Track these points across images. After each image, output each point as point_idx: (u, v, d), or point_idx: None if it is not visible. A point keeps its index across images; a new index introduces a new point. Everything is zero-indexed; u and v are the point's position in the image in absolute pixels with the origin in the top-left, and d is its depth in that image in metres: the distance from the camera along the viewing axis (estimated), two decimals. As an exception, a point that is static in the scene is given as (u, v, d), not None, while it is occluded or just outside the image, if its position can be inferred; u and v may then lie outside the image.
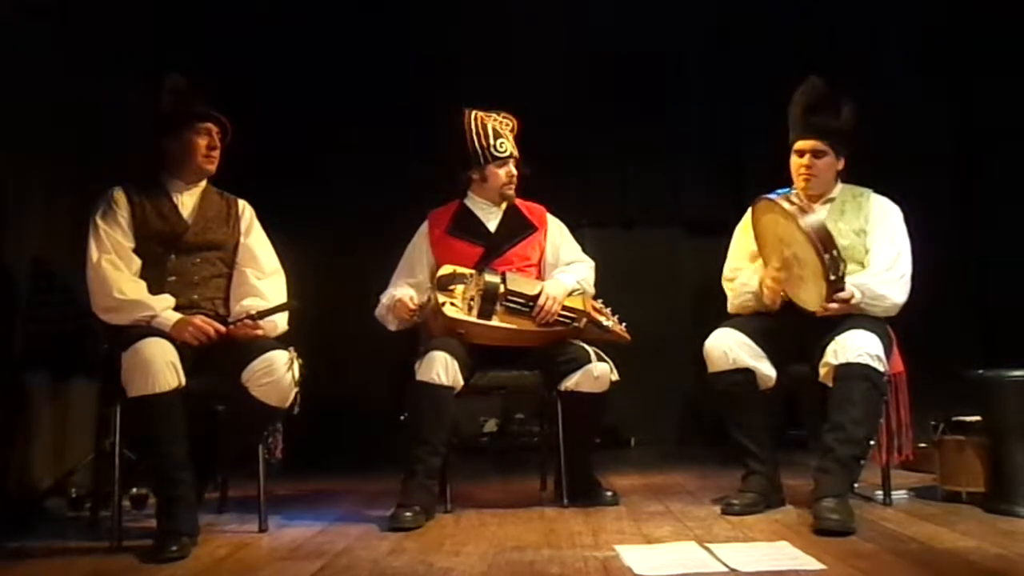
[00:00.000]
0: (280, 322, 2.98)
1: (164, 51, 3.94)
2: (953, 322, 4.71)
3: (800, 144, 3.10)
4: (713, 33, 5.45)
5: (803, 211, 2.84)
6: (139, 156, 3.07)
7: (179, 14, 4.24)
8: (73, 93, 3.50)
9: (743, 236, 3.24)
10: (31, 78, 3.28)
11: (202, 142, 2.94)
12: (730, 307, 3.23)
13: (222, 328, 2.83)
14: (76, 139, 3.54)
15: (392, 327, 3.33)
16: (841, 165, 3.13)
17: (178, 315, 2.79)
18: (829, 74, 3.14)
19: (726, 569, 2.21)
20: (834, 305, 2.87)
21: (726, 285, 3.26)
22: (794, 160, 3.13)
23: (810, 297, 2.93)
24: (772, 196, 2.95)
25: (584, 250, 3.55)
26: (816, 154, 3.08)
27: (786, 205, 2.86)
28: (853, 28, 5.01)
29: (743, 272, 3.20)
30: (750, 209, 3.11)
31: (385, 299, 3.34)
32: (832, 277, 2.78)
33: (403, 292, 3.30)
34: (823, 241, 2.78)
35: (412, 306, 3.21)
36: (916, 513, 2.93)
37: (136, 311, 2.75)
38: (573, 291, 3.33)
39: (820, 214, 2.93)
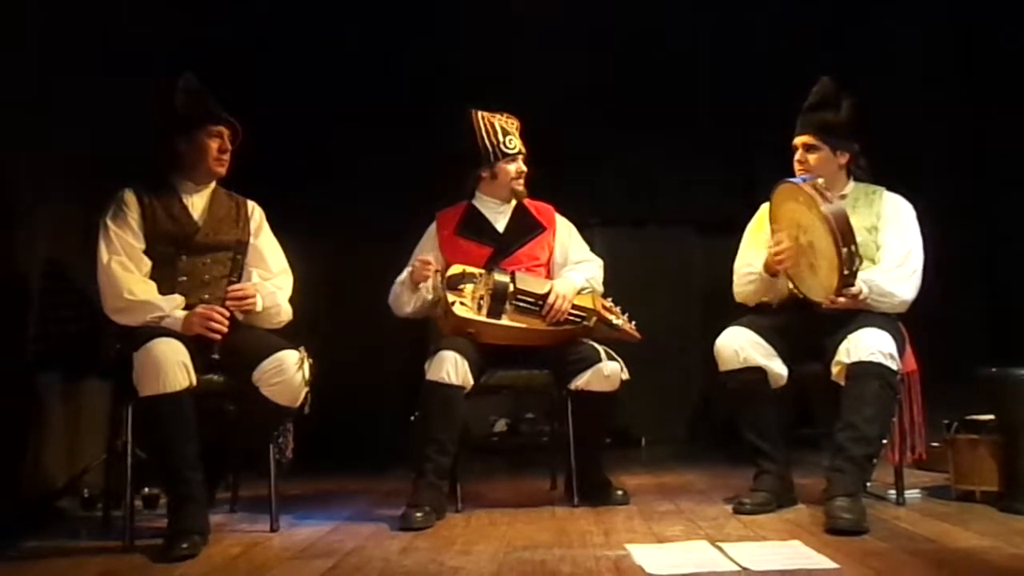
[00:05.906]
0: (284, 305, 3.00)
1: (169, 53, 3.94)
2: (964, 320, 4.68)
3: (795, 140, 3.12)
4: (723, 31, 5.43)
5: (825, 198, 2.80)
6: (150, 157, 3.08)
7: (181, 15, 4.25)
8: (83, 94, 3.51)
9: (756, 232, 3.21)
10: (39, 79, 3.29)
11: (214, 145, 2.95)
12: (735, 294, 3.20)
13: (224, 310, 2.82)
14: (88, 140, 3.55)
15: (408, 308, 3.27)
16: (844, 160, 3.10)
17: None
18: (837, 72, 3.12)
19: (738, 568, 2.20)
20: (841, 299, 2.84)
21: (735, 274, 3.24)
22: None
23: (817, 287, 2.89)
24: (796, 180, 2.93)
25: (593, 249, 3.54)
26: (808, 148, 3.08)
27: (809, 190, 2.83)
28: (859, 26, 4.98)
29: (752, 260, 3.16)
30: (768, 199, 3.06)
31: (399, 278, 3.31)
32: (846, 272, 2.75)
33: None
34: (844, 234, 2.73)
35: (428, 265, 3.16)
36: (929, 512, 2.91)
37: (146, 312, 2.76)
38: (582, 290, 3.32)
39: (841, 203, 2.88)
